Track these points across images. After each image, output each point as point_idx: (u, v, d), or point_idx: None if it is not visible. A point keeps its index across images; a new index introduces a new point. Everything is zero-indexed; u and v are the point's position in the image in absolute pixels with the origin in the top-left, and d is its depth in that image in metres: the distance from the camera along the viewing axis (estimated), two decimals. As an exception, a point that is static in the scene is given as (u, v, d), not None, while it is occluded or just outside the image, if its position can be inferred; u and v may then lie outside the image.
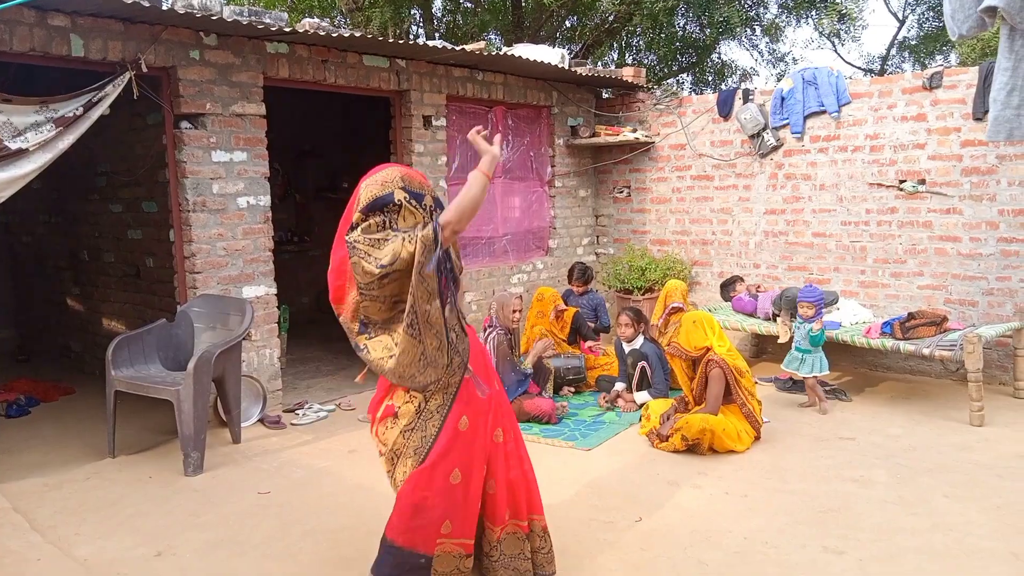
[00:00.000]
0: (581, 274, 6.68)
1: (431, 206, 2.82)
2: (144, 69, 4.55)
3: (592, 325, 6.43)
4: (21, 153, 4.12)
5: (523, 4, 12.63)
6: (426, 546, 2.77)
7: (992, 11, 2.83)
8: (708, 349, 4.70)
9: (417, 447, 2.76)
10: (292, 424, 5.22)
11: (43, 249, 7.18)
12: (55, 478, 4.27)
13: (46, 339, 7.31)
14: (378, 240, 2.67)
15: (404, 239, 2.65)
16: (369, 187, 2.75)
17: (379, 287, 2.68)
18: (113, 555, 3.37)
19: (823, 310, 5.48)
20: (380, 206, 2.71)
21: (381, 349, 2.76)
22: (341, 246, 2.77)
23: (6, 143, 4.06)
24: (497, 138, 2.80)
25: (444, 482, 2.76)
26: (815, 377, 5.38)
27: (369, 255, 2.66)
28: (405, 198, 2.73)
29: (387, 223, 2.71)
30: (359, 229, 2.70)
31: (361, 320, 2.80)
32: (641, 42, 14.82)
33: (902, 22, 15.48)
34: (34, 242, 7.31)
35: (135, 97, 4.53)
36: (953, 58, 14.86)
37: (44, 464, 4.49)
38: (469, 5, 13.71)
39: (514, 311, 5.30)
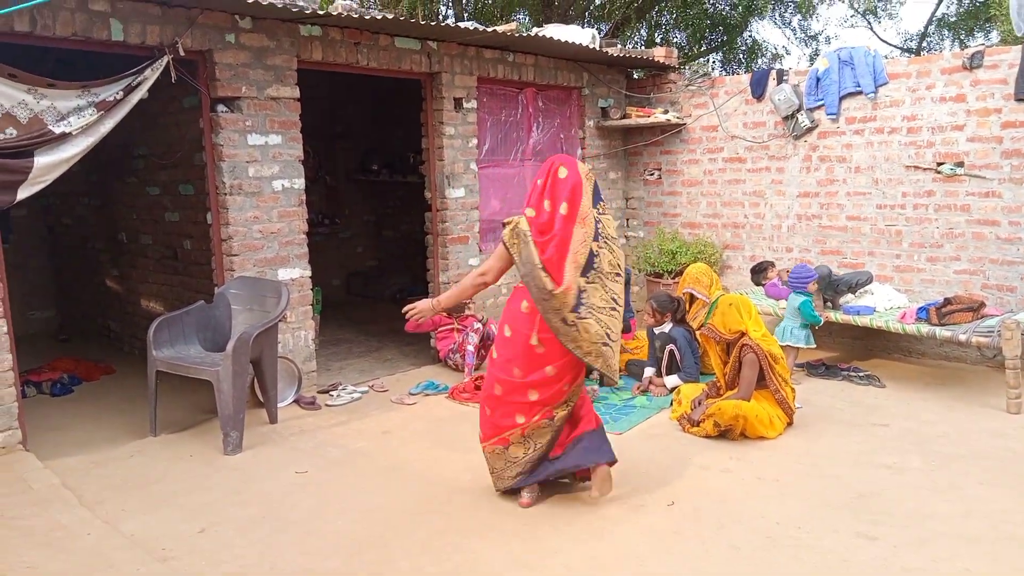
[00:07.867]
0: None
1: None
2: (181, 53, 4.60)
3: None
4: (65, 137, 4.21)
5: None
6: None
7: None
8: (743, 333, 4.69)
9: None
10: (327, 405, 5.31)
11: (83, 231, 7.33)
12: (100, 455, 4.40)
13: (86, 319, 7.48)
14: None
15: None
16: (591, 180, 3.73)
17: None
18: (159, 531, 3.47)
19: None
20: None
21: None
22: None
23: (50, 127, 4.15)
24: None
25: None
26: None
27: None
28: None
29: None
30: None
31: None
32: (670, 21, 14.63)
33: (941, -2, 15.11)
34: (74, 224, 7.46)
35: (172, 81, 4.60)
36: (995, 36, 14.46)
37: (89, 442, 4.63)
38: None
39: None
